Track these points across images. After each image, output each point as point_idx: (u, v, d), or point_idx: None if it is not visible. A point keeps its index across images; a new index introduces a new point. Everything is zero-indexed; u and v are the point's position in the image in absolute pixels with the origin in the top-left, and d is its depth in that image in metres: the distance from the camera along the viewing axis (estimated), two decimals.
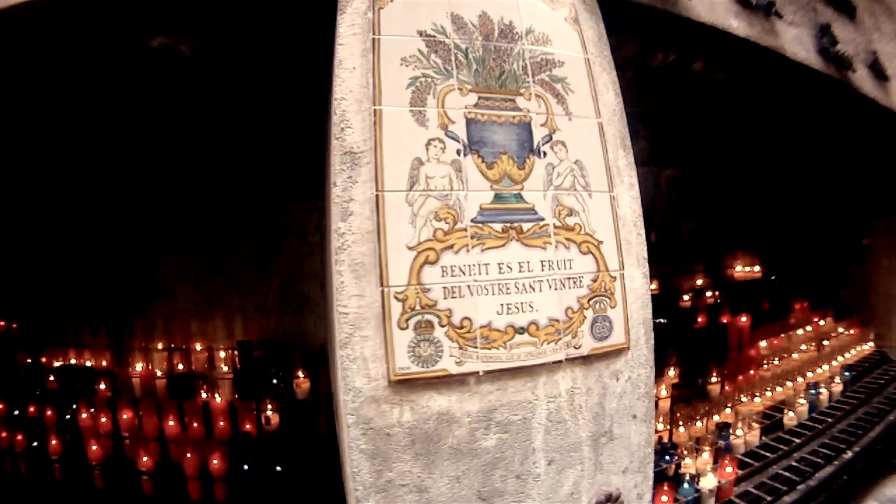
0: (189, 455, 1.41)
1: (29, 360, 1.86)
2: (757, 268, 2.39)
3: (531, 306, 0.95)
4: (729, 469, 1.40)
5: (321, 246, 1.59)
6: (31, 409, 1.70)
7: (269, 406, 1.44)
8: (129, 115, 1.46)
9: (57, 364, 1.77)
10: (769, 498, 1.44)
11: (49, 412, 1.64)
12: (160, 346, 1.62)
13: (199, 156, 1.59)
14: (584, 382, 0.98)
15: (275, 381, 1.45)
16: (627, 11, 1.15)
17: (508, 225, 0.95)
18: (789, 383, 1.87)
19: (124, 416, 1.51)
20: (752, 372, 1.91)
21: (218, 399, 1.47)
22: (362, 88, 0.92)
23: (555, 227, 0.98)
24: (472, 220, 0.93)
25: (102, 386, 1.63)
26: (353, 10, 0.95)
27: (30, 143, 1.60)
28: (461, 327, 0.90)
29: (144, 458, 1.45)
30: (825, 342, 2.18)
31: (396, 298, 0.88)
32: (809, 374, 1.94)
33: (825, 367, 2.02)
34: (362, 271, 0.87)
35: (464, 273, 0.92)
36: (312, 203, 1.58)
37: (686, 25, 1.18)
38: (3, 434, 1.67)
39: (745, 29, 1.26)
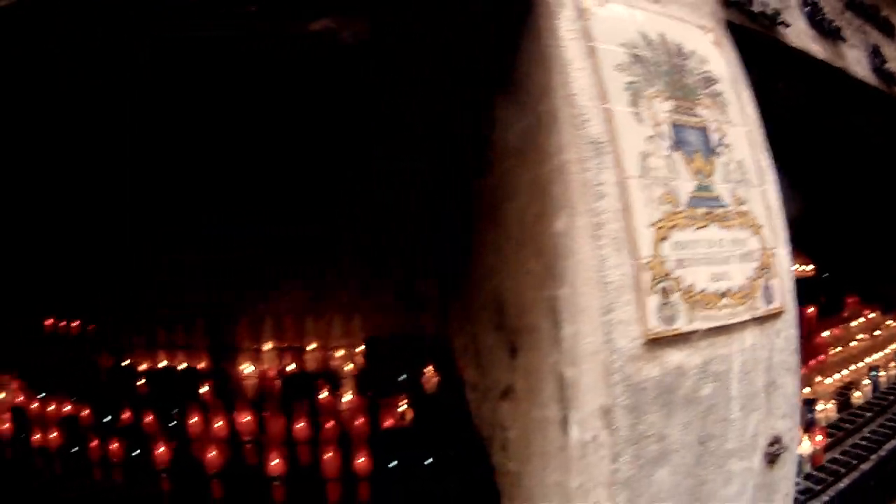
0: (329, 455, 1.38)
1: (114, 363, 1.73)
2: (810, 266, 2.79)
3: (727, 276, 1.14)
4: (819, 438, 1.68)
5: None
6: (125, 415, 1.55)
7: (403, 402, 1.46)
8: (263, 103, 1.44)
9: (143, 367, 1.65)
10: (853, 463, 1.73)
11: (149, 418, 1.51)
12: (271, 345, 1.56)
13: (308, 149, 1.59)
14: (759, 339, 1.18)
15: (404, 376, 1.48)
16: (742, 35, 1.41)
17: (706, 210, 1.14)
18: (853, 367, 2.24)
19: (244, 420, 1.44)
20: (821, 357, 2.26)
21: (346, 397, 1.46)
22: (591, 87, 1.06)
23: (734, 213, 1.18)
24: (685, 205, 1.11)
25: (205, 389, 1.54)
26: (565, 17, 1.09)
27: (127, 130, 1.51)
28: (688, 292, 1.07)
29: (275, 462, 1.40)
30: (876, 332, 2.59)
31: (645, 268, 1.02)
32: (868, 359, 2.32)
33: (881, 353, 2.42)
34: (618, 245, 1.00)
35: (685, 248, 1.08)
36: None
37: (778, 50, 1.47)
38: (94, 443, 1.51)
39: (822, 53, 1.59)
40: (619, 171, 1.04)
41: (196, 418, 1.49)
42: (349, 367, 1.53)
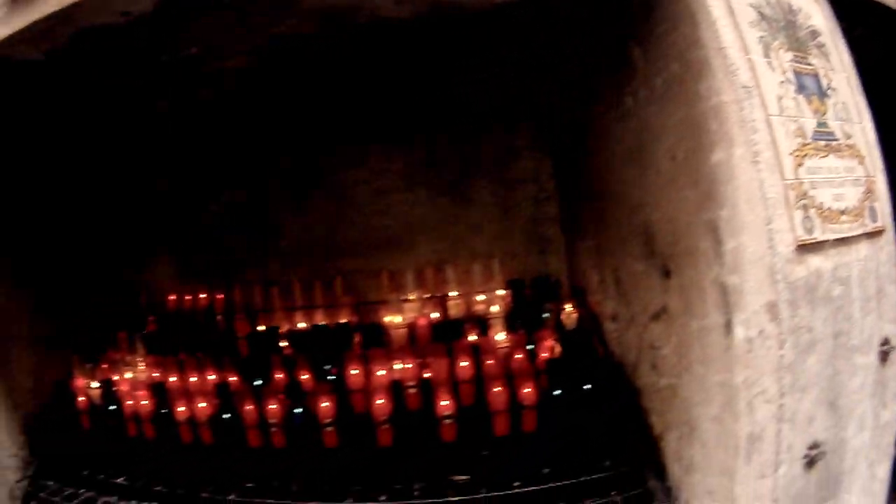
0: (497, 389, 1.52)
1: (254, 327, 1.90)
2: None
3: (844, 197, 1.34)
4: None
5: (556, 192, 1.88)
6: (278, 376, 1.70)
7: (550, 337, 1.63)
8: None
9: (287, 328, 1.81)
10: None
11: (306, 375, 1.66)
12: (414, 296, 1.73)
13: (422, 108, 1.76)
14: (869, 251, 1.38)
15: (546, 314, 1.66)
16: None
17: (825, 143, 1.34)
18: None
19: (406, 366, 1.59)
20: None
21: (500, 335, 1.62)
22: (735, 41, 1.25)
23: (844, 145, 1.39)
24: (811, 138, 1.31)
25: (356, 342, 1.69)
26: None
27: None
28: (819, 209, 1.27)
29: (444, 403, 1.53)
30: None
31: (790, 188, 1.22)
32: None
33: None
34: (771, 170, 1.20)
35: (814, 173, 1.28)
36: (543, 151, 1.87)
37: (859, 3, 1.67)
38: (251, 406, 1.65)
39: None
40: (764, 110, 1.23)
41: (357, 370, 1.63)
42: (496, 308, 1.70)
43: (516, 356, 1.57)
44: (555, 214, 1.95)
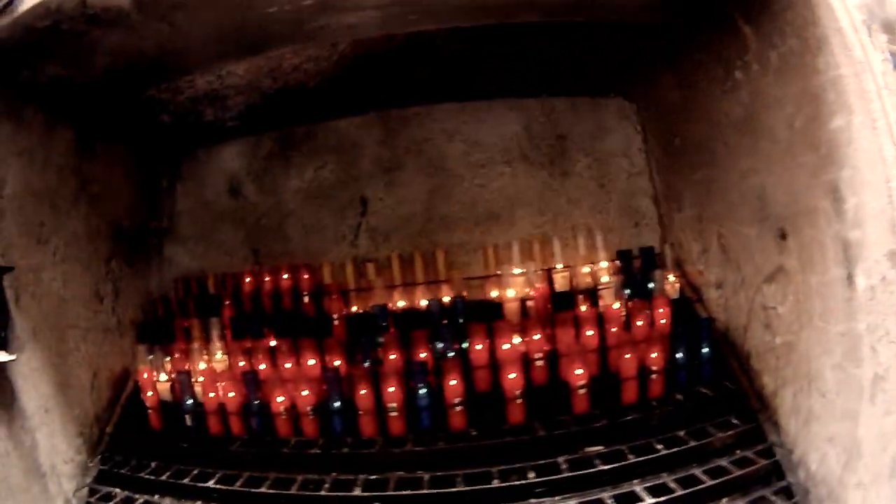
0: (628, 356, 1.63)
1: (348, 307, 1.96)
2: None
3: None
4: None
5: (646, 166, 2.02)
6: (391, 356, 1.69)
7: (665, 305, 1.74)
8: None
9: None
10: None
11: (423, 354, 1.68)
12: (521, 269, 1.85)
13: None
14: None
15: (653, 284, 1.77)
16: None
17: None
18: None
19: (534, 337, 1.66)
20: None
21: (615, 305, 1.74)
22: (849, 23, 1.38)
23: None
24: None
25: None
26: None
27: None
28: None
29: (578, 372, 1.62)
30: None
31: None
32: None
33: None
34: (885, 135, 1.31)
35: None
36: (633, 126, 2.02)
37: None
38: (365, 391, 1.61)
39: None
40: (875, 83, 1.36)
41: (480, 345, 1.65)
42: (606, 279, 1.84)
43: (638, 323, 1.69)
44: (646, 188, 2.09)
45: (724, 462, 1.50)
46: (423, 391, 1.59)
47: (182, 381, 1.79)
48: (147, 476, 1.67)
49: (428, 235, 2.15)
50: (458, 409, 1.58)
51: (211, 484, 1.59)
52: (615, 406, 1.61)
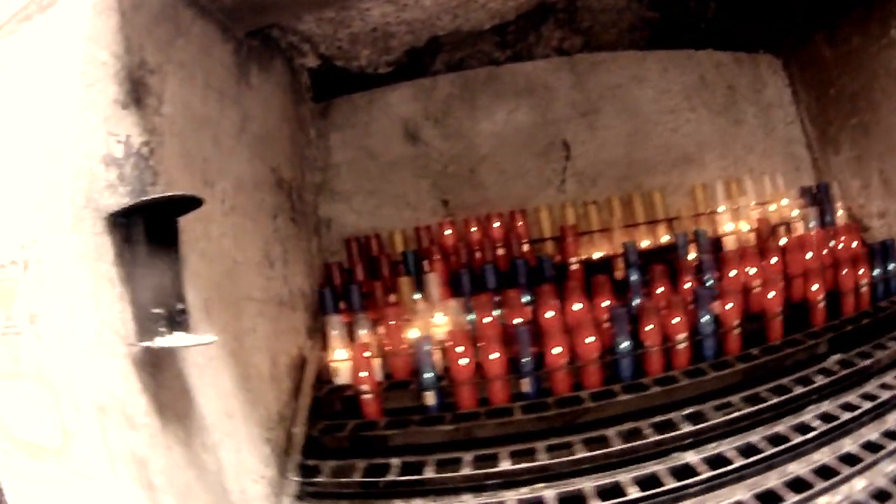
0: (846, 272, 1.90)
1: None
2: None
3: None
4: None
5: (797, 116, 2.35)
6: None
7: (855, 231, 2.03)
8: None
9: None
10: None
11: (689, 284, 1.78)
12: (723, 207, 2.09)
13: None
14: None
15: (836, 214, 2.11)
16: None
17: None
18: None
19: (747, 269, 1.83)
20: None
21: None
22: None
23: None
24: None
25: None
26: None
27: None
28: None
29: (814, 288, 1.84)
30: None
31: None
32: None
33: None
34: None
35: None
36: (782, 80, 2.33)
37: None
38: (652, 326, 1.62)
39: None
40: None
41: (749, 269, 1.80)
42: (796, 213, 2.11)
43: (839, 247, 1.95)
44: (798, 136, 2.39)
45: None
46: (705, 318, 1.68)
47: (420, 350, 1.56)
48: (370, 480, 1.33)
49: (632, 178, 2.24)
50: (736, 332, 1.74)
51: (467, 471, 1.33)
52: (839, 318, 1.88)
